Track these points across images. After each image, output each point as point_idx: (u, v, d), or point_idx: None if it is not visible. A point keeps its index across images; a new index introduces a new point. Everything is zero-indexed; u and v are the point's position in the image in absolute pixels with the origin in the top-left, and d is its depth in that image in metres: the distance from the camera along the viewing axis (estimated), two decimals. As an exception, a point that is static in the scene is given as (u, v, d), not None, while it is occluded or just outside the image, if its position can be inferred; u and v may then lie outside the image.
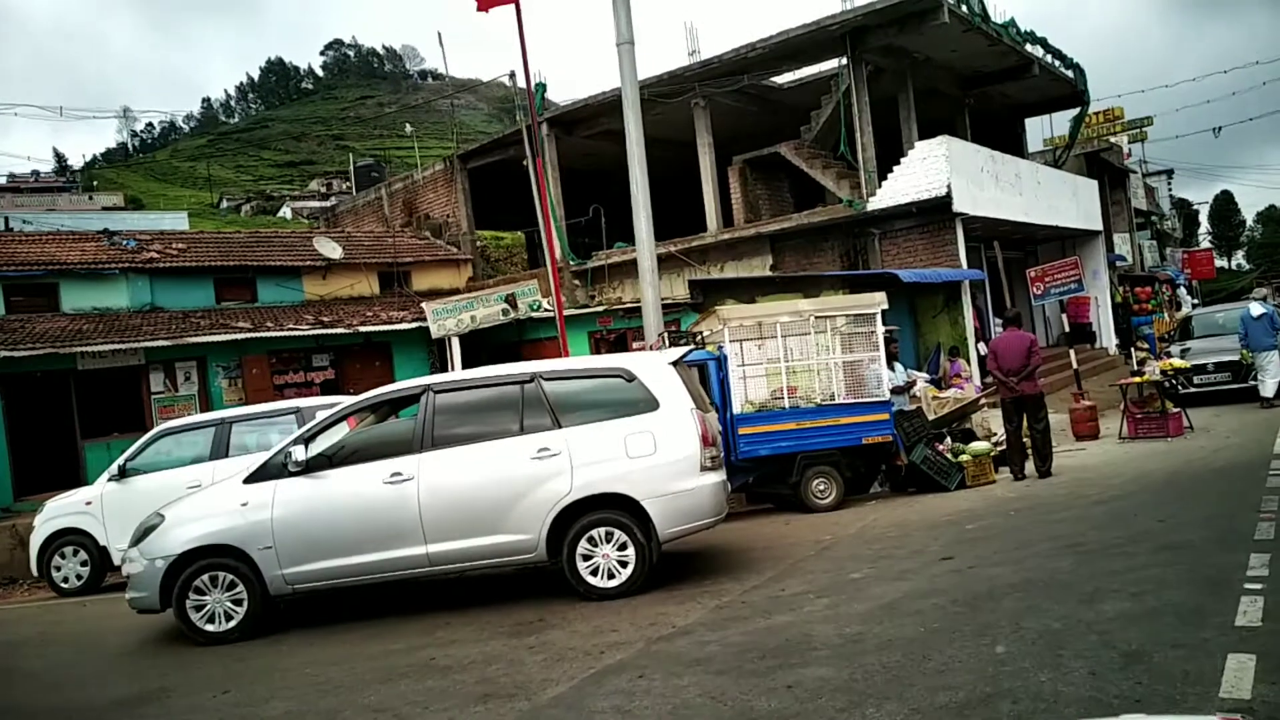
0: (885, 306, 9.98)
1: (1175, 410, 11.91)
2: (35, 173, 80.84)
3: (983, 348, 16.60)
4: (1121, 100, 42.06)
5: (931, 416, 12.46)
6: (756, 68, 18.34)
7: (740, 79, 18.64)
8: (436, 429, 6.94)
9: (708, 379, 9.85)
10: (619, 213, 25.69)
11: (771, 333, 9.84)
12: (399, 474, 6.81)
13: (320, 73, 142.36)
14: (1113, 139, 32.08)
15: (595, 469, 6.78)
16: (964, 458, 10.11)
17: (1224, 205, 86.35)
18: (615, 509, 6.82)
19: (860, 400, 9.82)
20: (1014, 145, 23.90)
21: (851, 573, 6.63)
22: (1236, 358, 14.26)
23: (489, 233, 32.97)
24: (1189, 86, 51.50)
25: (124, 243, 19.12)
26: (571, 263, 20.93)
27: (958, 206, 16.22)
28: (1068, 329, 15.81)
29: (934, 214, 16.70)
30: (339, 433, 8.25)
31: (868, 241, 17.66)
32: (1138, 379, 12.05)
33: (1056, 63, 22.34)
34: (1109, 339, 24.22)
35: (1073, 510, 7.88)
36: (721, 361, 9.78)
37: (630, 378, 7.02)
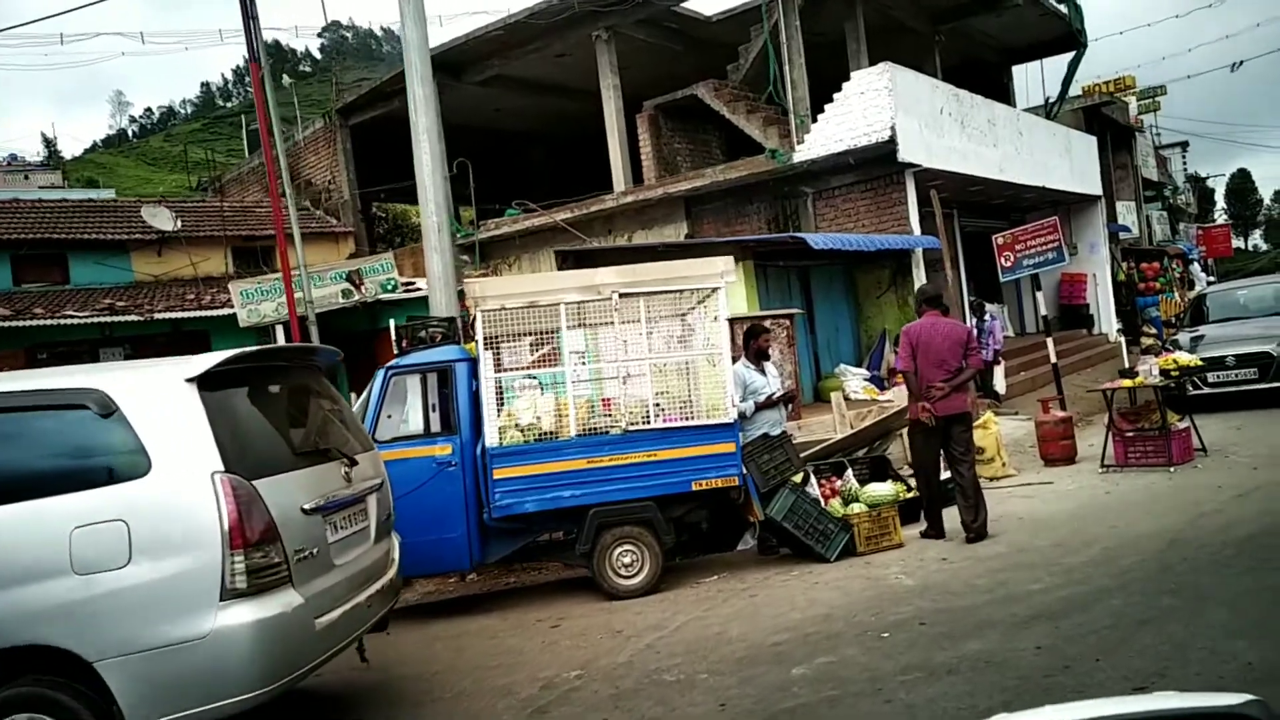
0: (731, 278, 6.53)
1: (1181, 426, 8.43)
2: (12, 156, 78.14)
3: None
4: (1124, 39, 38.03)
5: (841, 434, 9.06)
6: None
7: (649, 4, 15.10)
8: None
9: (452, 391, 6.42)
10: (554, 175, 22.27)
11: (553, 320, 6.38)
12: None
13: (318, 55, 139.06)
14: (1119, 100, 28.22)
15: (4, 598, 3.41)
16: (855, 509, 6.66)
17: (1241, 183, 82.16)
18: (46, 676, 3.45)
19: (688, 424, 6.37)
20: (1000, 98, 20.17)
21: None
22: (1266, 349, 10.73)
23: (414, 207, 29.45)
24: (1205, 18, 45.87)
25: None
26: (458, 234, 17.47)
27: (905, 155, 12.66)
28: (1044, 311, 12.28)
29: (878, 166, 13.15)
30: None
31: (799, 203, 14.14)
32: (1127, 382, 8.55)
33: (1045, -9, 18.67)
34: (1109, 323, 20.63)
35: (989, 635, 4.44)
36: (477, 365, 6.34)
37: (106, 410, 3.62)
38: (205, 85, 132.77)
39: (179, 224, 16.94)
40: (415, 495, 6.10)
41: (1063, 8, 19.33)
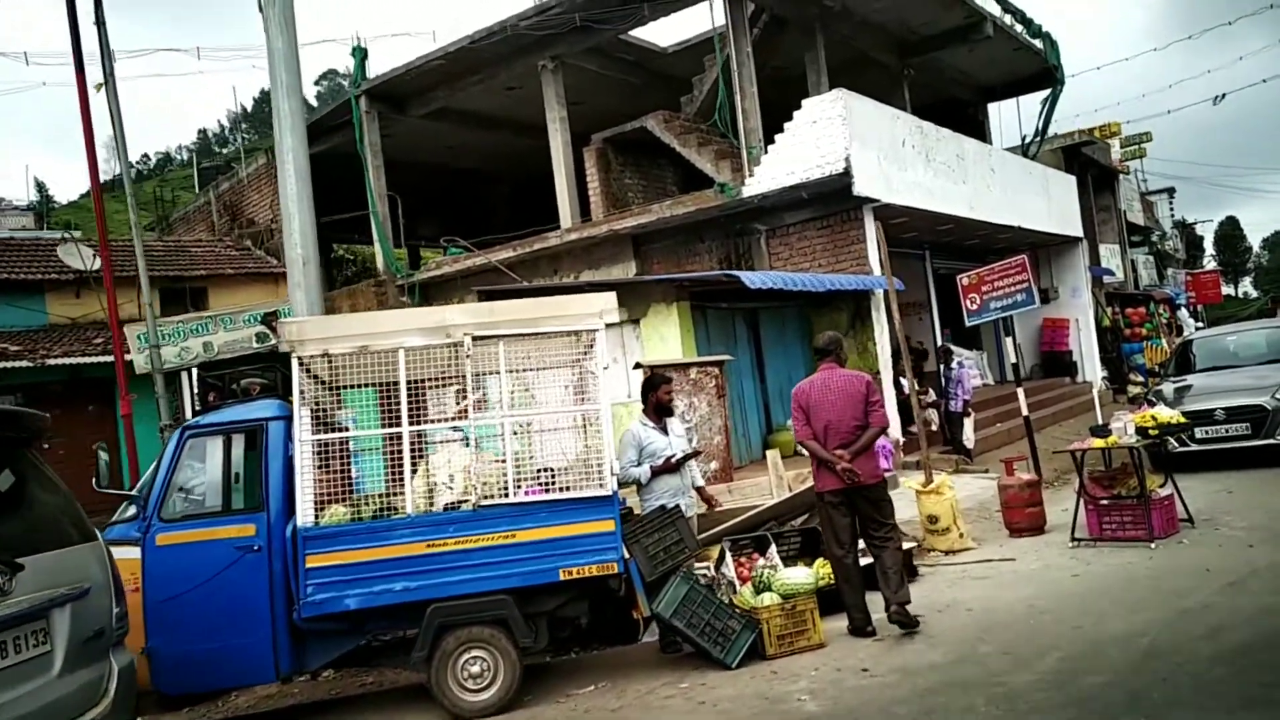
0: (613, 319, 5.42)
1: (1164, 492, 7.27)
2: (-1, 199, 78.10)
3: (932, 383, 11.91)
4: (1102, 76, 37.56)
5: (776, 498, 7.89)
6: (611, 15, 13.87)
7: (595, 32, 14.21)
8: None
9: (262, 456, 5.24)
10: (514, 214, 21.23)
11: (390, 368, 5.24)
12: None
13: (315, 103, 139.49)
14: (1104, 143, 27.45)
15: None
16: (765, 600, 5.46)
17: (1230, 231, 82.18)
18: None
19: (555, 497, 5.20)
20: (976, 137, 19.29)
21: None
22: (1259, 401, 9.62)
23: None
24: (1183, 50, 45.50)
25: None
26: (397, 274, 16.43)
27: (861, 189, 11.66)
28: (1013, 358, 11.20)
29: (834, 201, 12.16)
30: None
31: (752, 240, 13.11)
32: (1099, 442, 7.40)
33: (1018, 26, 17.91)
34: (1093, 370, 19.56)
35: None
36: (294, 424, 5.18)
37: None
38: (203, 132, 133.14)
39: (98, 263, 15.84)
40: (206, 589, 4.91)
41: (1037, 42, 18.59)
